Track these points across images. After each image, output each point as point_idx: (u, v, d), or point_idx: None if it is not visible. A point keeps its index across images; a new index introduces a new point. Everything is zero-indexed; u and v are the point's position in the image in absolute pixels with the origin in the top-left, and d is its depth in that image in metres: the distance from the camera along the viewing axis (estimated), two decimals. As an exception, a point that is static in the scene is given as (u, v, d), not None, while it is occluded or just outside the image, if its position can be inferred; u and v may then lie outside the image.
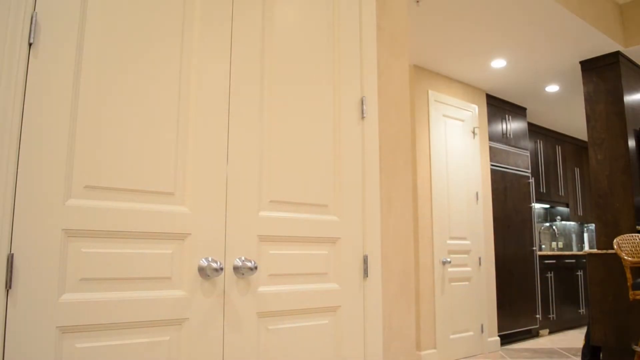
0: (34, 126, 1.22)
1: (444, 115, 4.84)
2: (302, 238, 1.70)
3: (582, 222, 7.27)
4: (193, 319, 1.41)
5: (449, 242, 4.67)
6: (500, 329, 5.07)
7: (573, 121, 6.51)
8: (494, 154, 5.36)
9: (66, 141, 1.26)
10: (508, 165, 5.53)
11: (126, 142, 1.36)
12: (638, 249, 3.43)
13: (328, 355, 1.71)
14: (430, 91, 4.73)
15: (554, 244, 7.30)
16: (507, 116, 5.64)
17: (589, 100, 4.40)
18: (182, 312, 1.39)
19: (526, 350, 4.86)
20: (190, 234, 1.43)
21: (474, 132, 5.11)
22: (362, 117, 1.92)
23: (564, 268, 6.10)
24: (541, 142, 6.61)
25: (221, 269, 1.40)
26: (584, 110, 6.01)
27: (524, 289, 5.44)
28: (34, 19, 1.25)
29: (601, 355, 3.94)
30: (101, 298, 1.27)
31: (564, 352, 4.68)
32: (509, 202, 5.45)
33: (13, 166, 1.19)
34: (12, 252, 1.17)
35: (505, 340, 5.19)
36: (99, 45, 1.34)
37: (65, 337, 1.21)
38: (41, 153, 1.23)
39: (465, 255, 4.82)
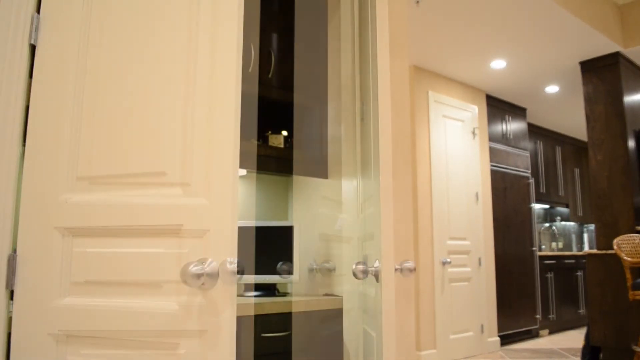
0: (36, 125, 1.22)
1: (444, 116, 4.84)
2: (345, 238, 1.62)
3: (581, 222, 7.27)
4: (211, 331, 1.16)
5: (448, 242, 4.68)
6: (500, 329, 5.07)
7: (573, 122, 6.51)
8: (493, 154, 5.37)
9: (69, 136, 1.23)
10: (508, 165, 5.53)
11: (131, 130, 1.23)
12: (637, 249, 3.44)
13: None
14: (430, 92, 4.74)
15: (553, 244, 7.30)
16: (507, 117, 5.64)
17: (589, 101, 4.40)
18: (199, 324, 1.16)
19: (526, 350, 4.86)
20: (208, 230, 1.18)
21: (473, 133, 5.12)
22: (362, 118, 1.91)
23: (563, 268, 6.10)
24: (541, 142, 6.61)
25: (241, 272, 1.16)
26: (583, 111, 6.00)
27: (523, 290, 5.44)
28: (34, 19, 1.26)
29: (601, 355, 3.94)
30: (105, 303, 1.17)
31: (564, 353, 4.68)
32: (508, 202, 5.45)
33: (15, 166, 1.19)
34: (12, 252, 1.17)
35: (505, 340, 5.19)
36: (102, 40, 1.29)
37: (69, 341, 1.17)
38: (42, 151, 1.22)
39: (465, 256, 4.82)
